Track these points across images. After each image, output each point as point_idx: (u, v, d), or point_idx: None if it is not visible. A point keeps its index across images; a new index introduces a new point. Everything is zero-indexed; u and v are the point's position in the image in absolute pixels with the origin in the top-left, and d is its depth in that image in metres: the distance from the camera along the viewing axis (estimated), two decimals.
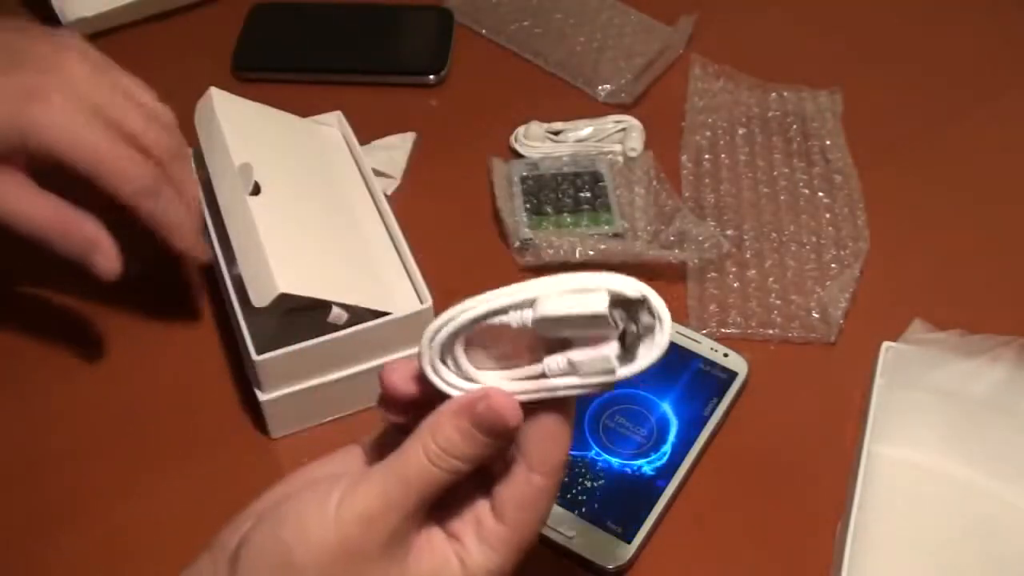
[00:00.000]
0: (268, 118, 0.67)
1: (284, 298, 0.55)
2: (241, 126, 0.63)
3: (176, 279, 0.67)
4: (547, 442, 0.39)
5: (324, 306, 0.58)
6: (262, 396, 0.59)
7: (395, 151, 0.74)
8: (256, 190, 0.60)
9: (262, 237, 0.57)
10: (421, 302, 0.60)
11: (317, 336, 0.57)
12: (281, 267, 0.56)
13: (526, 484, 0.39)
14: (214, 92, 0.64)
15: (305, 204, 0.63)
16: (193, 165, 0.63)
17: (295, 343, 0.57)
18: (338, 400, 0.61)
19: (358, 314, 0.59)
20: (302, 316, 0.59)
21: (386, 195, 0.67)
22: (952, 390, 0.60)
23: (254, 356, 0.56)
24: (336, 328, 0.58)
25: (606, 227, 0.69)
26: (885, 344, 0.62)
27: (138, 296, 0.65)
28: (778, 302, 0.66)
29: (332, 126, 0.70)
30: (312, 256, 0.60)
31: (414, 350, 0.40)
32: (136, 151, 0.54)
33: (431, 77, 0.79)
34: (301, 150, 0.67)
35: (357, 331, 0.58)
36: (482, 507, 0.40)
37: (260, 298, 0.55)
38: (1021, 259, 0.70)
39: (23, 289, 0.67)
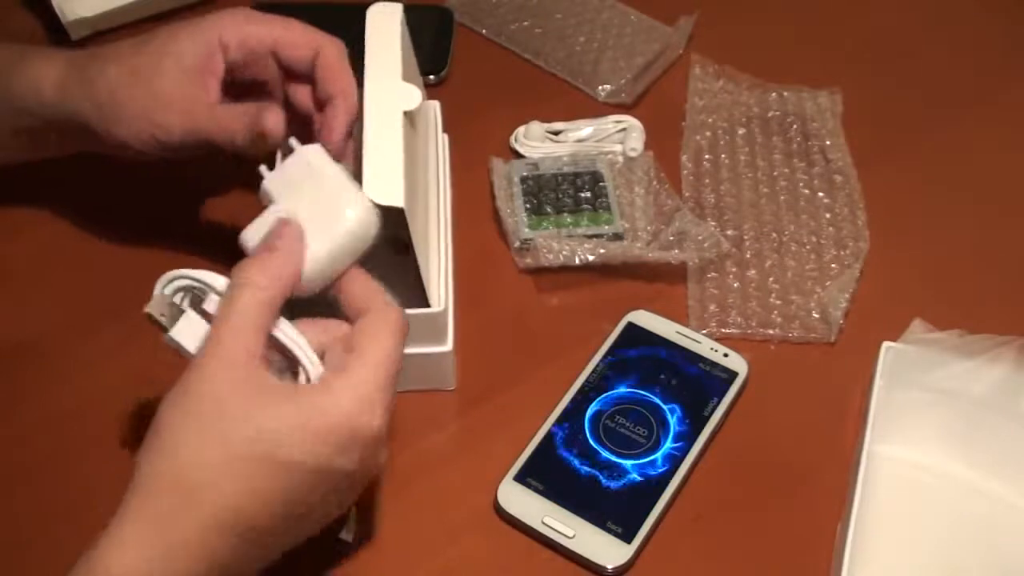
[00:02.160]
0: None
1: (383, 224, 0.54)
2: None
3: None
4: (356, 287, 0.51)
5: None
6: None
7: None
8: None
9: (403, 156, 0.56)
10: (434, 305, 0.59)
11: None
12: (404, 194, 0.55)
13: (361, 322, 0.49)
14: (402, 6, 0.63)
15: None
16: None
17: None
18: None
19: None
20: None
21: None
22: (952, 390, 0.60)
23: None
24: None
25: (606, 227, 0.69)
26: (885, 344, 0.62)
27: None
28: (778, 302, 0.66)
29: None
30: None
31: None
32: None
33: (431, 77, 0.79)
34: None
35: None
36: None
37: (380, 197, 0.54)
38: (1021, 259, 0.70)
39: (30, 288, 0.67)
